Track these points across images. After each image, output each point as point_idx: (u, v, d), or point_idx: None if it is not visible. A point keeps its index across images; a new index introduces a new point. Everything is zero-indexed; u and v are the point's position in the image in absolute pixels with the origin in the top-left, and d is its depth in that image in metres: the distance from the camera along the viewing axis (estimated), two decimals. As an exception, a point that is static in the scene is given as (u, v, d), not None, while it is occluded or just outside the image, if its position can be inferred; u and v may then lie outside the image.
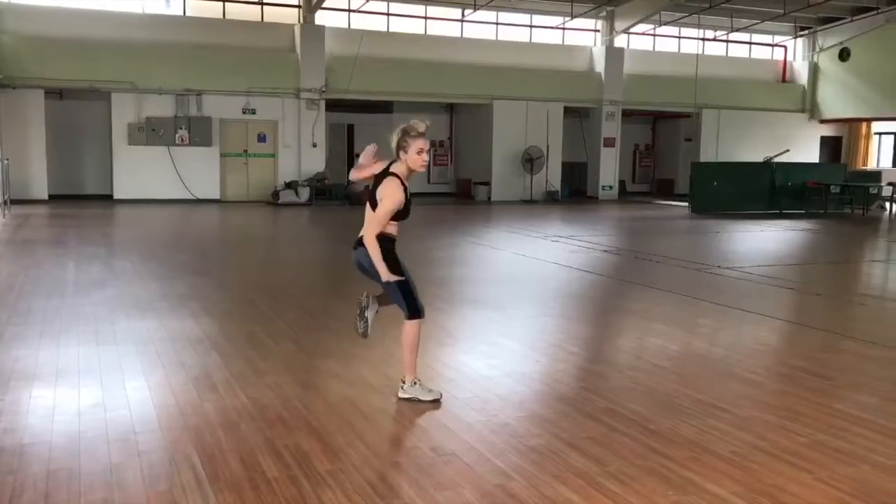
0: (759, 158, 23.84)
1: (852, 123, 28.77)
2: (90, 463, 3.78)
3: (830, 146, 29.29)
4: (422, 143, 4.48)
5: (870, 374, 5.67)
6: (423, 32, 23.85)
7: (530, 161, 23.89)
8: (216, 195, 21.42)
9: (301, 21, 21.83)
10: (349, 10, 22.72)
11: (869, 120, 28.22)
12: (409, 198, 4.62)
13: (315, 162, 21.95)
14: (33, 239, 12.88)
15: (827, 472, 3.79)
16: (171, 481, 3.59)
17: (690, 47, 26.74)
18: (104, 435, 4.14)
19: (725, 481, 3.67)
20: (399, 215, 4.60)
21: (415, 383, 4.79)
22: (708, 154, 26.50)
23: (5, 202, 15.94)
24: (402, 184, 4.55)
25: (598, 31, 25.57)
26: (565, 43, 25.49)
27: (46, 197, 19.82)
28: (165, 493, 3.48)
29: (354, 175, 4.85)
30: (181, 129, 20.72)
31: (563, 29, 25.08)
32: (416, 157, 4.50)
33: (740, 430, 4.36)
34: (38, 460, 3.81)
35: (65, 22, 19.81)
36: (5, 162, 16.42)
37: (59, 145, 20.69)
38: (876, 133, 29.06)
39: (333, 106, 22.61)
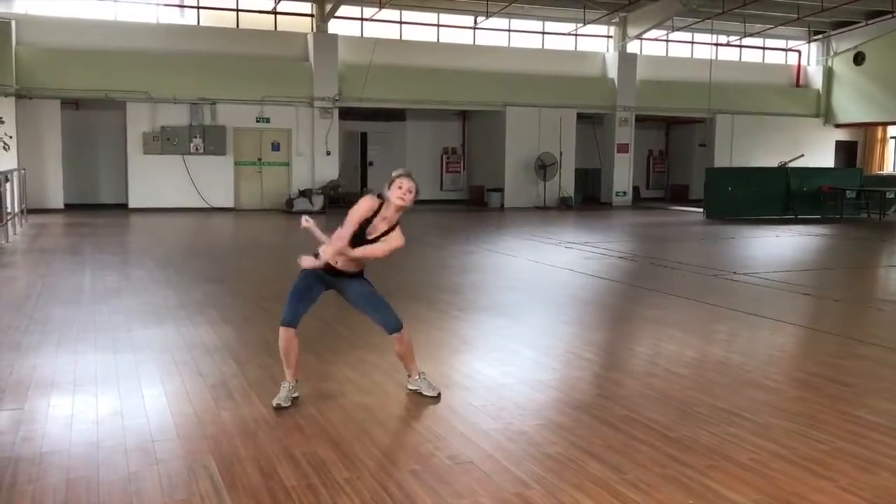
0: (774, 163, 23.74)
1: (868, 128, 28.58)
2: (109, 472, 3.80)
3: (845, 151, 29.10)
4: (401, 182, 4.81)
5: (889, 379, 5.62)
6: (435, 40, 23.91)
7: (543, 167, 23.87)
8: (230, 203, 21.52)
9: (314, 30, 21.95)
10: (362, 19, 22.81)
11: (885, 124, 28.02)
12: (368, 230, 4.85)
13: (329, 170, 22.02)
14: (50, 248, 12.97)
15: (847, 480, 3.76)
16: (190, 490, 3.60)
17: (703, 52, 26.68)
18: (122, 444, 4.16)
19: (745, 489, 3.64)
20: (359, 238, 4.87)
21: (420, 375, 5.06)
22: (722, 159, 26.41)
23: (22, 211, 16.06)
24: (376, 213, 4.84)
25: (611, 37, 25.56)
26: (578, 49, 25.49)
27: (62, 206, 19.99)
28: (184, 501, 3.49)
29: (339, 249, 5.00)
30: (195, 137, 20.86)
31: (576, 35, 25.09)
32: (395, 191, 4.80)
33: (760, 437, 4.33)
34: (56, 469, 3.83)
35: (80, 33, 20.01)
36: (22, 172, 16.55)
37: (75, 155, 20.87)
38: (892, 137, 28.85)
39: (347, 114, 22.69)
